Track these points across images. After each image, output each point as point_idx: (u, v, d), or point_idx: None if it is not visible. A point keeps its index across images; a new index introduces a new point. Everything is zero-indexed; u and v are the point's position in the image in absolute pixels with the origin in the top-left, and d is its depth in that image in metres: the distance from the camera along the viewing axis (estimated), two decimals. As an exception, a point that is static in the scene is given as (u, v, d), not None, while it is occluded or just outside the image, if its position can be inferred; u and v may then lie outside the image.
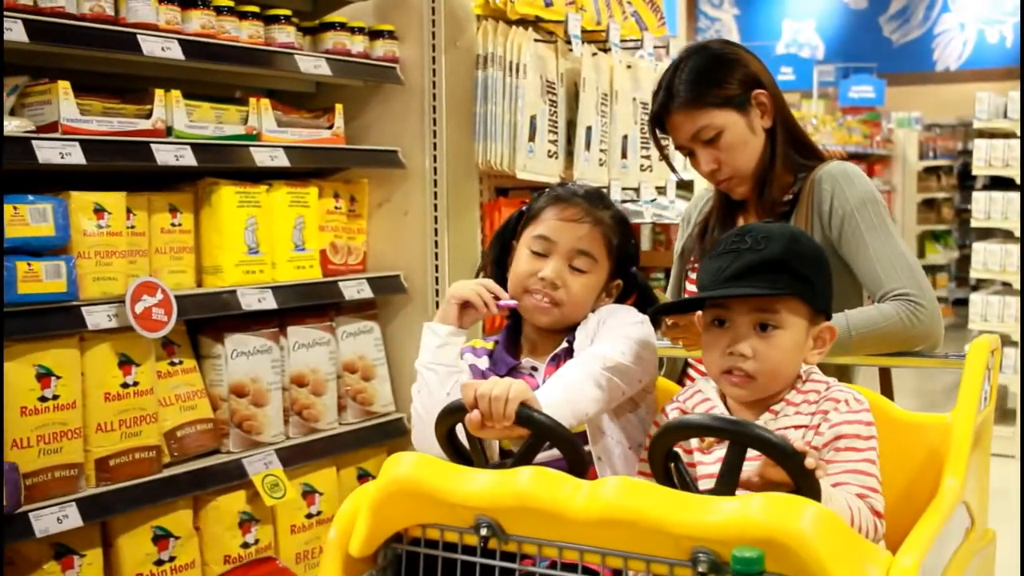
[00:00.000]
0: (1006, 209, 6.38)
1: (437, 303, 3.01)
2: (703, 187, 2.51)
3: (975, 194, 6.66)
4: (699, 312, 1.80)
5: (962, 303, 7.77)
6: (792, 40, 14.12)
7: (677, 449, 1.75)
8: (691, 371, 2.33)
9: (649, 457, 1.69)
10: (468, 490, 1.68)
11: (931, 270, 11.08)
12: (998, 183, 6.99)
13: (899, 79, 12.36)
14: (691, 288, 2.41)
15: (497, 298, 1.91)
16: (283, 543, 2.70)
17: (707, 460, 1.76)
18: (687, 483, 1.66)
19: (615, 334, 1.87)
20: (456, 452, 1.79)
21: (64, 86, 2.22)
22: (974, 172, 6.78)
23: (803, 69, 11.09)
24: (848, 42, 13.66)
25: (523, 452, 1.74)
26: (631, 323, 1.90)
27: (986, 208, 6.51)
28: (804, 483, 1.56)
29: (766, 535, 1.46)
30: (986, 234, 6.88)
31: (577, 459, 1.73)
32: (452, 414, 1.76)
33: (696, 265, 2.38)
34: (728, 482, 1.60)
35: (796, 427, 1.70)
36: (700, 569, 1.51)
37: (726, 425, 1.63)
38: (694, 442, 1.77)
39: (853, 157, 10.17)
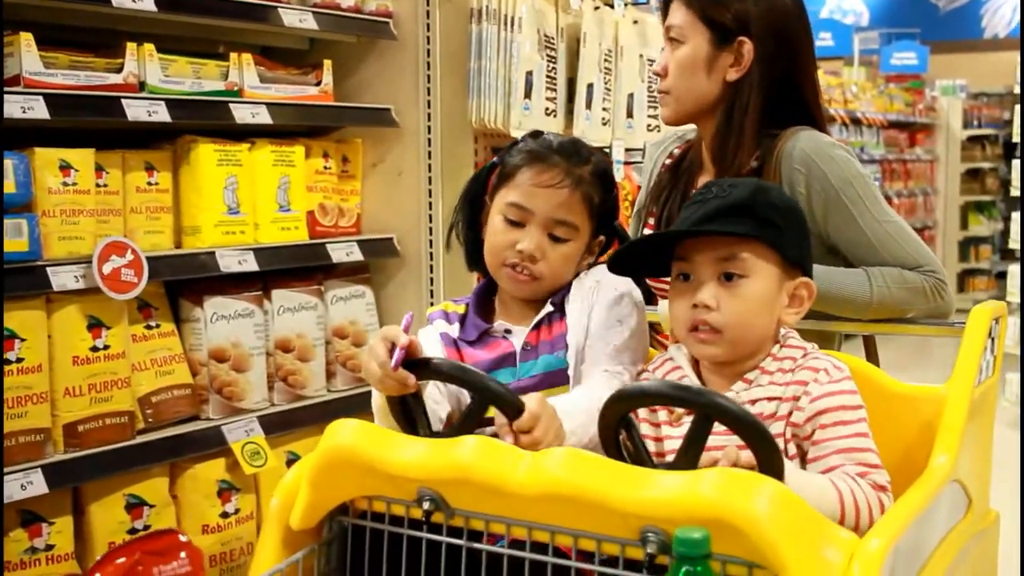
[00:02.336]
0: (1046, 178, 6.17)
1: (431, 267, 2.92)
2: (669, 132, 2.39)
3: (1015, 162, 6.46)
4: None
5: (1004, 276, 7.55)
6: (836, 6, 13.81)
7: (639, 423, 1.65)
8: (658, 336, 2.22)
9: (600, 427, 1.57)
10: (406, 460, 1.58)
11: (974, 242, 10.84)
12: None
13: (944, 47, 12.05)
14: None
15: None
16: (267, 513, 2.63)
17: (675, 434, 1.65)
18: (641, 455, 1.55)
19: (622, 334, 1.77)
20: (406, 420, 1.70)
21: (26, 38, 2.14)
22: (1014, 140, 6.56)
23: (843, 35, 10.84)
24: (893, 8, 13.33)
25: (464, 419, 1.64)
26: (627, 312, 1.79)
27: None
28: (766, 456, 1.45)
29: (715, 515, 1.35)
30: (1019, 205, 6.67)
31: None
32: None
33: (650, 221, 2.28)
34: (689, 456, 1.49)
35: (770, 398, 1.59)
36: (649, 549, 1.41)
37: (680, 392, 1.52)
38: (662, 415, 1.67)
39: (894, 126, 9.95)
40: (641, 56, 3.23)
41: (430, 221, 2.92)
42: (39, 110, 2.13)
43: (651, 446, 1.64)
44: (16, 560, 2.20)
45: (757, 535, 1.33)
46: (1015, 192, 6.42)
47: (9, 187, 2.09)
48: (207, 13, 2.47)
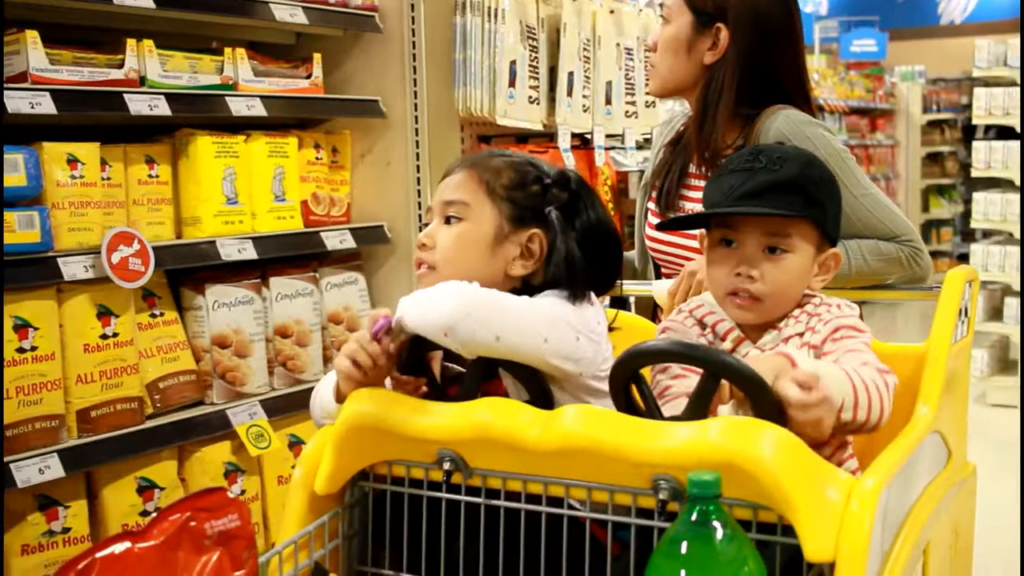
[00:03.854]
0: (1006, 158, 6.35)
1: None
2: (677, 111, 2.50)
3: (975, 143, 6.64)
4: (702, 231, 1.79)
5: (966, 258, 7.74)
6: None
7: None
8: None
9: (611, 382, 1.67)
10: (428, 423, 1.66)
11: (935, 224, 11.04)
12: (999, 133, 6.95)
13: (903, 33, 12.26)
14: (651, 220, 2.40)
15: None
16: (270, 493, 2.72)
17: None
18: (652, 408, 1.65)
19: None
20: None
21: (32, 35, 2.21)
22: (974, 121, 6.75)
23: (804, 25, 10.99)
24: (852, -2, 13.56)
25: (467, 380, 1.70)
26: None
27: (987, 158, 6.48)
28: (767, 409, 1.55)
29: (724, 459, 1.45)
30: (987, 184, 6.84)
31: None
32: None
33: (652, 194, 2.38)
34: (697, 409, 1.59)
35: (798, 334, 1.71)
36: (661, 496, 1.51)
37: (692, 351, 1.62)
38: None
39: (855, 112, 10.12)
40: (618, 45, 3.34)
41: (419, 208, 3.00)
42: (46, 105, 2.20)
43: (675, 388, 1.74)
44: (35, 543, 2.27)
45: (764, 476, 1.43)
46: (976, 174, 6.59)
47: (20, 180, 2.16)
48: (206, 9, 2.54)
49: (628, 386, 1.68)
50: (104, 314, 2.35)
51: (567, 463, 1.61)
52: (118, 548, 1.41)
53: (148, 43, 2.42)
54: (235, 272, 2.66)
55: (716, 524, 1.37)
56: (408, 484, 1.76)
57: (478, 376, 1.72)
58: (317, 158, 2.90)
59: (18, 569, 2.24)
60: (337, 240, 2.86)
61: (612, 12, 3.32)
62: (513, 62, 2.96)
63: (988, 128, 7.96)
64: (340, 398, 1.74)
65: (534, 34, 3.05)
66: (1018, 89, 6.29)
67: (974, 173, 6.61)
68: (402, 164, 3.00)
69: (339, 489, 1.82)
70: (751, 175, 1.69)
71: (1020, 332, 5.98)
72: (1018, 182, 6.25)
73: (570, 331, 1.68)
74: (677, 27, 2.19)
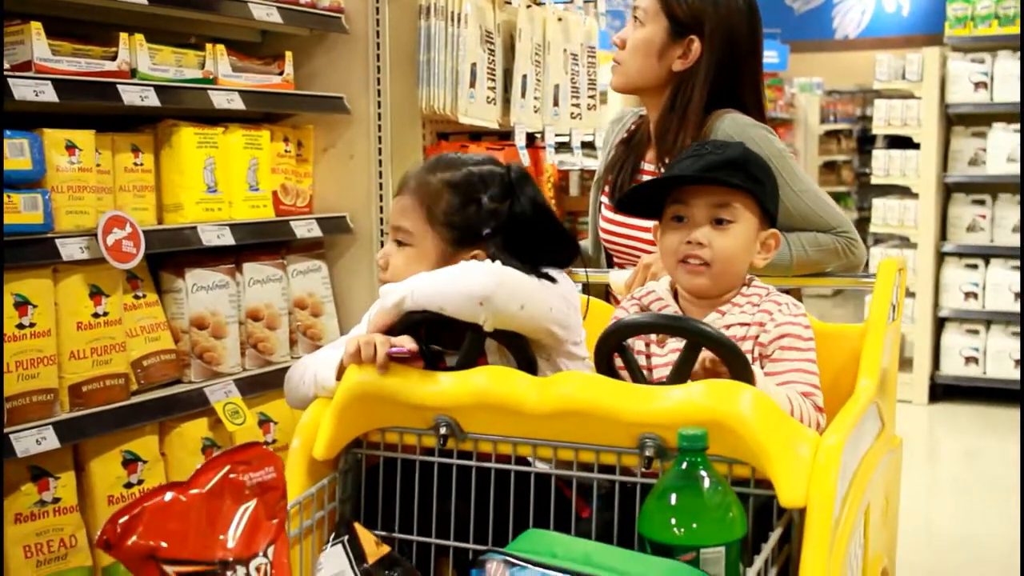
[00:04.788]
0: (904, 166, 6.73)
1: (382, 243, 3.17)
2: (626, 107, 2.70)
3: (875, 152, 7.02)
4: (656, 223, 2.00)
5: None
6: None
7: (633, 343, 1.95)
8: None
9: (597, 350, 1.87)
10: (428, 391, 1.82)
11: (831, 230, 11.47)
12: (891, 142, 7.37)
13: (801, 46, 12.73)
14: (605, 214, 2.60)
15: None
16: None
17: (660, 352, 1.96)
18: (637, 375, 1.85)
19: None
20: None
21: (36, 27, 2.32)
22: (874, 131, 7.13)
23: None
24: (753, 9, 13.96)
25: (467, 348, 1.86)
26: None
27: (885, 166, 6.86)
28: (741, 372, 1.76)
29: (709, 417, 1.65)
30: (885, 191, 7.23)
31: None
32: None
33: (607, 189, 2.59)
34: (681, 374, 1.80)
35: (742, 324, 1.91)
36: (647, 453, 1.70)
37: (674, 322, 1.84)
38: (653, 336, 1.97)
39: (758, 120, 10.48)
40: (565, 51, 3.54)
41: (380, 200, 3.16)
42: (48, 94, 2.30)
43: (641, 361, 1.94)
44: (27, 512, 2.37)
45: (745, 432, 1.64)
46: (876, 181, 6.97)
47: (26, 164, 2.27)
48: (193, 6, 2.67)
49: (612, 356, 1.88)
50: (96, 294, 2.46)
51: (559, 425, 1.80)
52: (166, 497, 1.54)
53: (139, 37, 2.54)
54: (212, 257, 2.79)
55: (703, 474, 1.58)
56: (401, 450, 1.93)
57: (477, 348, 1.90)
58: (286, 151, 3.04)
59: (11, 537, 2.34)
60: (305, 229, 3.00)
61: (560, 20, 3.52)
62: (474, 64, 3.15)
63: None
64: (341, 375, 1.90)
65: (491, 39, 3.24)
66: (915, 101, 6.68)
67: (874, 180, 6.99)
68: (365, 158, 3.15)
69: (334, 457, 1.99)
70: (699, 158, 1.91)
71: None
72: (915, 189, 6.64)
73: (563, 301, 1.89)
74: (651, 32, 2.39)
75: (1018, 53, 6.32)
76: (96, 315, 2.46)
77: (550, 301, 1.84)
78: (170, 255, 2.73)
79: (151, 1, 2.52)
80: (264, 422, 2.91)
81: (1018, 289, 6.32)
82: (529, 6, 3.37)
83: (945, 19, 6.56)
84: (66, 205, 2.38)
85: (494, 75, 3.26)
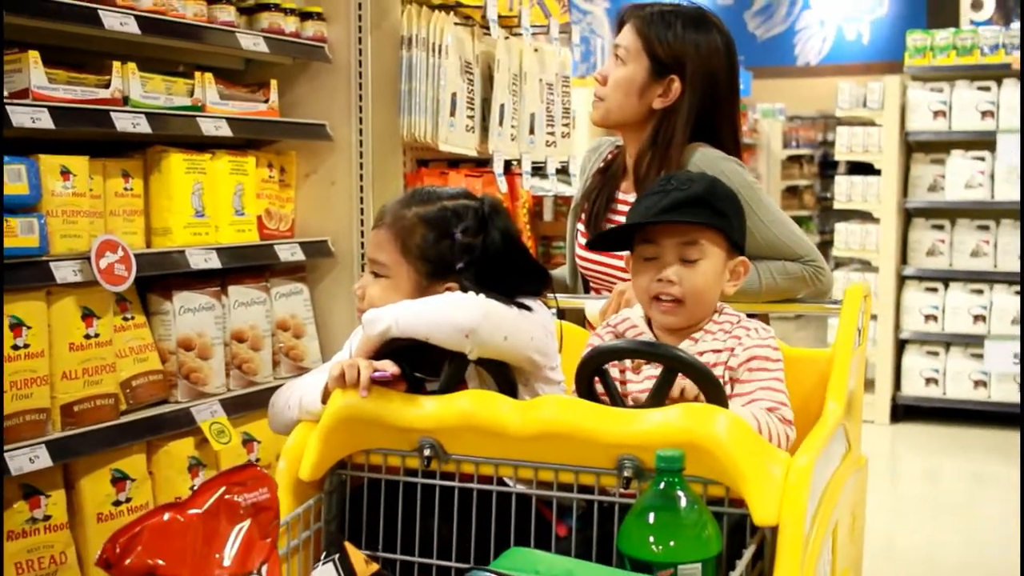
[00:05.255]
0: (865, 192, 6.89)
1: (362, 266, 3.25)
2: (603, 136, 2.80)
3: (837, 178, 7.18)
4: (627, 253, 2.08)
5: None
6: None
7: (608, 369, 2.03)
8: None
9: (578, 375, 1.95)
10: (414, 413, 1.88)
11: (793, 253, 11.65)
12: (852, 168, 7.55)
13: (764, 72, 12.94)
14: (581, 241, 2.69)
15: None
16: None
17: (635, 379, 2.05)
18: (615, 399, 1.93)
19: None
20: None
21: (34, 55, 2.39)
22: (836, 157, 7.29)
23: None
24: (717, 35, 14.17)
25: (450, 374, 1.93)
26: None
27: (847, 191, 7.01)
28: (716, 397, 1.86)
29: (686, 439, 1.73)
30: (846, 215, 7.38)
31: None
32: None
33: (584, 217, 2.68)
34: (658, 398, 1.89)
35: (714, 351, 2.00)
36: (625, 474, 1.78)
37: (651, 349, 1.93)
38: (628, 363, 2.06)
39: (722, 145, 10.64)
40: (541, 80, 3.64)
41: (361, 225, 3.24)
42: (45, 120, 2.37)
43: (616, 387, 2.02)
44: (19, 529, 2.42)
45: (720, 453, 1.73)
46: (838, 206, 7.12)
47: (23, 189, 2.34)
48: (184, 36, 2.75)
49: (592, 380, 1.97)
50: (88, 315, 2.53)
51: (540, 447, 1.86)
52: (164, 517, 1.59)
53: (131, 66, 2.62)
54: (198, 280, 2.86)
55: (680, 494, 1.66)
56: (385, 471, 2.00)
57: (461, 372, 1.98)
58: (270, 176, 3.12)
59: (3, 553, 2.39)
60: (288, 252, 3.08)
61: (536, 51, 3.62)
62: (454, 94, 3.24)
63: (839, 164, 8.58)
64: (327, 398, 1.97)
65: (471, 69, 3.33)
66: (876, 128, 6.85)
67: (836, 205, 7.14)
68: (346, 184, 3.24)
69: (320, 479, 2.05)
70: (665, 195, 1.97)
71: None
72: (876, 214, 6.80)
73: (542, 330, 1.97)
74: (633, 71, 2.48)
75: (975, 83, 6.51)
76: (88, 336, 2.53)
77: (531, 331, 1.93)
78: (158, 278, 2.79)
79: (143, 31, 2.59)
80: (248, 441, 2.98)
81: (976, 312, 6.49)
82: (507, 37, 3.47)
83: (904, 48, 6.73)
84: (60, 229, 2.45)
85: (473, 104, 3.35)
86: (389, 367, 1.87)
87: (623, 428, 1.79)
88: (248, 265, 3.01)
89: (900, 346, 6.75)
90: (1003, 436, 6.37)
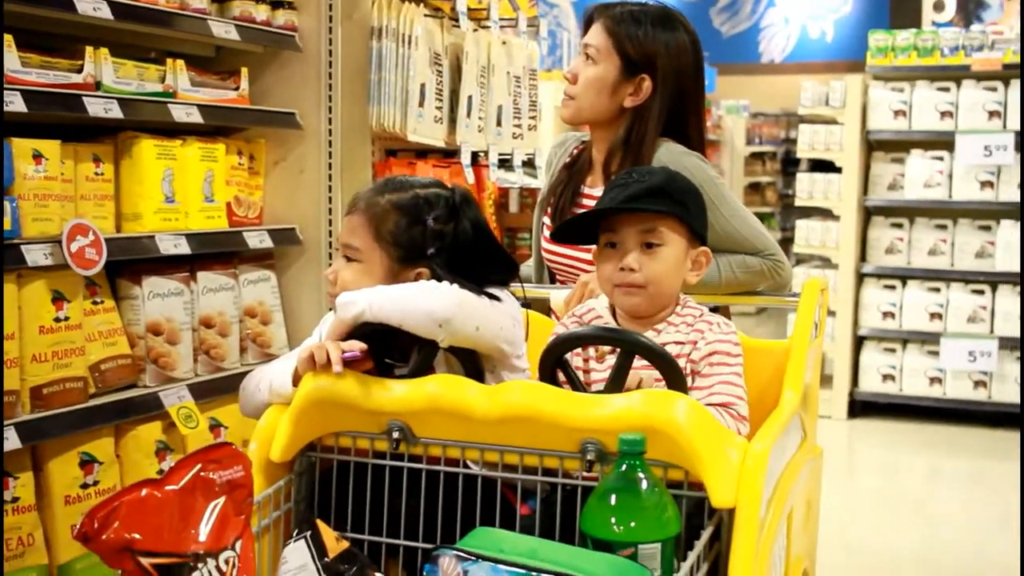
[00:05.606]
0: (827, 189, 6.98)
1: (330, 255, 3.28)
2: (569, 132, 2.84)
3: (799, 175, 7.26)
4: (595, 247, 2.14)
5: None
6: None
7: (572, 359, 2.08)
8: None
9: (541, 362, 2.00)
10: (383, 397, 1.92)
11: (755, 249, 11.78)
12: (814, 166, 7.65)
13: (728, 69, 13.05)
14: (547, 234, 2.74)
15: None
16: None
17: (599, 368, 2.10)
18: (577, 385, 1.99)
19: None
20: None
21: (8, 39, 2.40)
22: (798, 155, 7.37)
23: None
24: (682, 31, 14.27)
25: (420, 359, 1.97)
26: None
27: (809, 188, 7.10)
28: (674, 379, 1.91)
29: (647, 423, 1.79)
30: (807, 212, 7.48)
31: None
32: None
33: (550, 211, 2.73)
34: (617, 382, 1.94)
35: (677, 343, 2.06)
36: (588, 457, 1.83)
37: (612, 334, 1.98)
38: (592, 352, 2.11)
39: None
40: (508, 73, 3.69)
41: (329, 213, 3.28)
42: (18, 104, 2.39)
43: (580, 376, 2.08)
44: (-14, 510, 2.45)
45: (680, 437, 1.78)
46: (800, 203, 7.22)
47: (-5, 173, 2.36)
48: (156, 22, 2.77)
49: (555, 367, 2.02)
50: (58, 299, 2.54)
51: (505, 431, 1.91)
52: (142, 493, 1.62)
53: (104, 51, 2.64)
54: (167, 265, 2.88)
55: (641, 476, 1.71)
56: (354, 453, 2.04)
57: (431, 359, 2.02)
58: (239, 163, 3.15)
59: (-28, 533, 2.41)
60: (257, 240, 3.11)
61: (504, 43, 3.67)
62: (423, 85, 3.28)
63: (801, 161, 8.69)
64: (297, 381, 2.01)
65: (439, 60, 3.37)
66: (838, 127, 6.95)
67: (798, 202, 7.23)
68: (315, 172, 3.27)
69: (290, 460, 2.09)
70: (626, 187, 2.04)
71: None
72: (836, 211, 6.90)
73: (510, 320, 2.02)
74: (604, 70, 2.53)
75: (935, 83, 6.61)
76: (58, 320, 2.55)
77: (501, 321, 1.98)
78: (127, 263, 2.81)
79: (116, 16, 2.61)
80: (215, 426, 3.01)
81: (933, 309, 6.60)
82: (476, 30, 3.51)
83: (867, 48, 6.83)
84: (32, 212, 2.47)
85: (442, 95, 3.39)
86: (357, 347, 1.91)
87: (586, 412, 1.84)
88: (217, 251, 3.03)
89: (858, 342, 6.85)
90: (958, 432, 6.50)
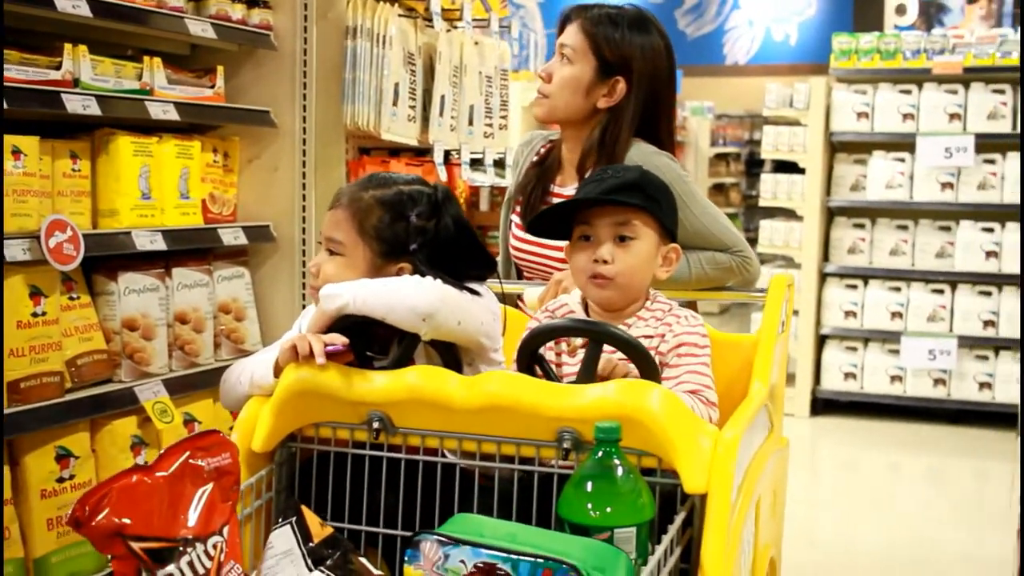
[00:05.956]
0: (790, 190, 7.08)
1: (304, 251, 3.32)
2: (536, 131, 2.90)
3: (763, 176, 7.36)
4: (567, 244, 2.19)
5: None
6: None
7: (545, 353, 2.14)
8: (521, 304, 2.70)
9: (518, 356, 2.05)
10: (364, 388, 1.97)
11: (720, 249, 11.88)
12: (777, 167, 7.76)
13: (694, 70, 13.14)
14: (516, 232, 2.79)
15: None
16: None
17: (571, 362, 2.15)
18: (551, 376, 2.04)
19: None
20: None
21: (-13, 36, 2.42)
22: (763, 156, 7.47)
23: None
24: (648, 33, 14.35)
25: (401, 351, 2.02)
26: None
27: (772, 189, 7.20)
28: (647, 370, 1.97)
29: (621, 412, 1.84)
30: (771, 213, 7.58)
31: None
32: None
33: (518, 209, 2.78)
34: (589, 372, 2.00)
35: (646, 336, 2.11)
36: (565, 446, 1.89)
37: (585, 326, 2.04)
38: (564, 347, 2.16)
39: (651, 142, 10.82)
40: (480, 73, 3.74)
41: (303, 211, 3.31)
42: (-3, 101, 2.41)
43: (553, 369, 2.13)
44: (-36, 503, 2.46)
45: (654, 426, 1.84)
46: (764, 203, 7.31)
47: (-27, 168, 2.37)
48: (134, 20, 2.79)
49: (532, 360, 2.08)
50: (36, 294, 2.56)
51: (484, 420, 1.96)
52: (132, 479, 1.65)
53: (82, 48, 2.66)
54: (143, 262, 2.90)
55: (617, 463, 1.77)
56: (333, 443, 2.08)
57: (412, 350, 2.07)
58: (214, 161, 3.17)
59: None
60: (231, 236, 3.14)
61: (476, 43, 3.71)
62: (397, 84, 3.32)
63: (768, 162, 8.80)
64: (279, 372, 2.05)
65: (413, 60, 3.42)
66: (801, 128, 7.05)
67: (762, 203, 7.33)
68: (289, 170, 3.30)
69: (270, 450, 2.13)
70: (602, 182, 2.11)
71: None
72: (800, 212, 7.00)
73: (490, 315, 2.07)
74: (580, 70, 2.58)
75: (897, 86, 6.73)
76: (35, 315, 2.56)
77: (481, 316, 2.03)
78: (103, 259, 2.83)
79: (95, 14, 2.63)
80: (189, 421, 3.03)
81: (894, 308, 6.71)
82: (449, 30, 3.56)
83: (830, 51, 6.94)
84: (11, 208, 2.49)
85: (415, 94, 3.44)
86: (339, 340, 1.95)
87: (563, 402, 1.89)
88: (191, 248, 3.06)
89: (820, 341, 6.95)
90: (918, 429, 6.62)
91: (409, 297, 1.93)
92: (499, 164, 4.00)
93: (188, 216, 3.03)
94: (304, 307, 3.32)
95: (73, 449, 2.68)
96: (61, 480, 2.66)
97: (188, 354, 3.04)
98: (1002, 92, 6.53)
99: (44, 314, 2.59)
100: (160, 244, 2.87)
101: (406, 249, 2.06)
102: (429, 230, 2.07)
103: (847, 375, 6.84)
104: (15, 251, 2.47)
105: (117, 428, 2.80)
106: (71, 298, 2.74)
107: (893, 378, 6.73)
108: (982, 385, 6.55)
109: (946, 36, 6.81)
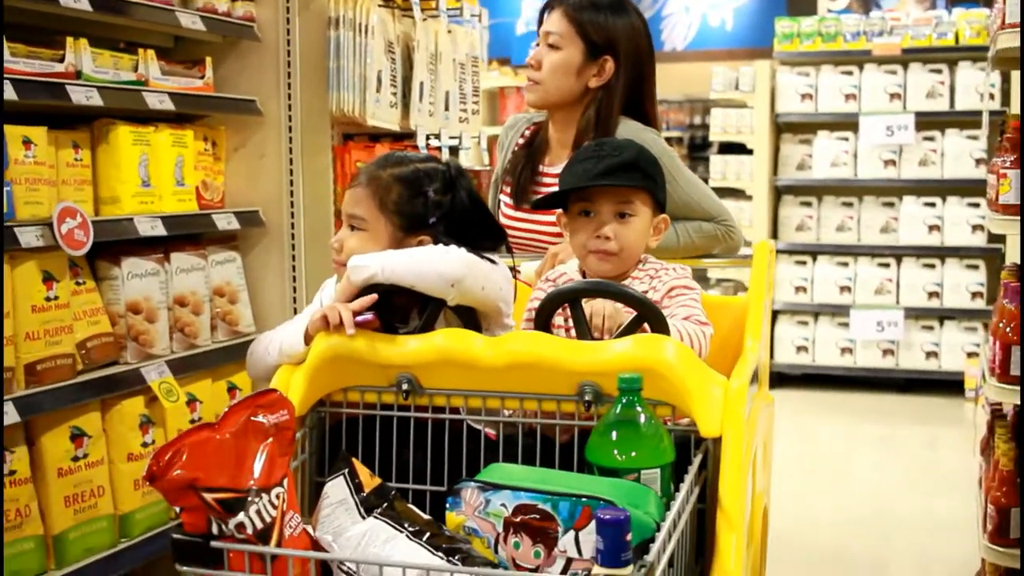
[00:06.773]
0: (739, 170, 7.28)
1: (293, 235, 3.41)
2: (521, 116, 3.02)
3: (712, 157, 7.56)
4: (559, 211, 2.32)
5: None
6: (532, 17, 14.87)
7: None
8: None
9: (537, 318, 2.18)
10: (394, 351, 2.09)
11: (665, 233, 12.10)
12: (722, 148, 7.96)
13: (633, 58, 13.30)
14: (506, 211, 2.91)
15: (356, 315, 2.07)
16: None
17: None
18: (582, 328, 2.15)
19: None
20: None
21: (-6, 29, 2.49)
22: (711, 138, 7.67)
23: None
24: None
25: (427, 317, 2.14)
26: None
27: (722, 170, 7.40)
28: (657, 325, 2.10)
29: (640, 364, 1.98)
30: (721, 193, 7.76)
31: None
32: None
33: (507, 189, 2.90)
34: (581, 330, 2.13)
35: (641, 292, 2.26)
36: (587, 398, 2.02)
37: (600, 287, 2.17)
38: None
39: (596, 129, 10.98)
40: (454, 60, 3.85)
41: (291, 196, 3.40)
42: (8, 92, 2.48)
43: (561, 334, 2.26)
44: (-15, 483, 2.53)
45: (670, 375, 1.98)
46: (713, 184, 7.49)
47: (-10, 157, 2.44)
48: (132, 15, 2.87)
49: (549, 321, 2.20)
50: (48, 279, 2.64)
51: (508, 378, 2.08)
52: (201, 436, 1.72)
53: (84, 41, 2.73)
54: (144, 247, 2.98)
55: (639, 410, 1.90)
56: (362, 407, 2.19)
57: (436, 315, 2.19)
58: (205, 149, 3.26)
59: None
60: (225, 222, 3.22)
61: (450, 32, 3.82)
62: (379, 71, 3.42)
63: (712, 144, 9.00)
64: (309, 340, 2.16)
65: (392, 48, 3.52)
66: (748, 110, 7.24)
67: (711, 183, 7.51)
68: (276, 157, 3.39)
69: (301, 416, 2.22)
70: (600, 160, 2.24)
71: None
72: (749, 192, 7.20)
73: (507, 281, 2.20)
74: (569, 54, 2.71)
75: (839, 68, 6.95)
76: (48, 299, 2.64)
77: (500, 282, 2.16)
78: (105, 245, 2.91)
79: (95, 8, 2.70)
80: (191, 401, 3.11)
81: (842, 283, 6.94)
82: (425, 19, 3.66)
83: (773, 35, 7.14)
84: (24, 196, 2.56)
85: (396, 82, 3.54)
86: (368, 303, 2.06)
87: (585, 357, 2.03)
88: (186, 233, 3.14)
89: (773, 316, 7.15)
90: (869, 399, 6.86)
91: (438, 265, 2.05)
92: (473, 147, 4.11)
93: (184, 203, 3.11)
94: (295, 289, 3.42)
95: (86, 428, 2.76)
96: (76, 459, 2.73)
97: (188, 336, 3.12)
98: (939, 72, 6.78)
99: (56, 298, 2.66)
100: (160, 230, 2.95)
101: (425, 223, 2.19)
102: (445, 204, 2.19)
103: (799, 348, 7.06)
104: (29, 238, 2.54)
105: (126, 408, 2.88)
106: (78, 283, 2.81)
107: (843, 350, 6.96)
108: (928, 354, 6.81)
109: (884, 19, 7.06)
